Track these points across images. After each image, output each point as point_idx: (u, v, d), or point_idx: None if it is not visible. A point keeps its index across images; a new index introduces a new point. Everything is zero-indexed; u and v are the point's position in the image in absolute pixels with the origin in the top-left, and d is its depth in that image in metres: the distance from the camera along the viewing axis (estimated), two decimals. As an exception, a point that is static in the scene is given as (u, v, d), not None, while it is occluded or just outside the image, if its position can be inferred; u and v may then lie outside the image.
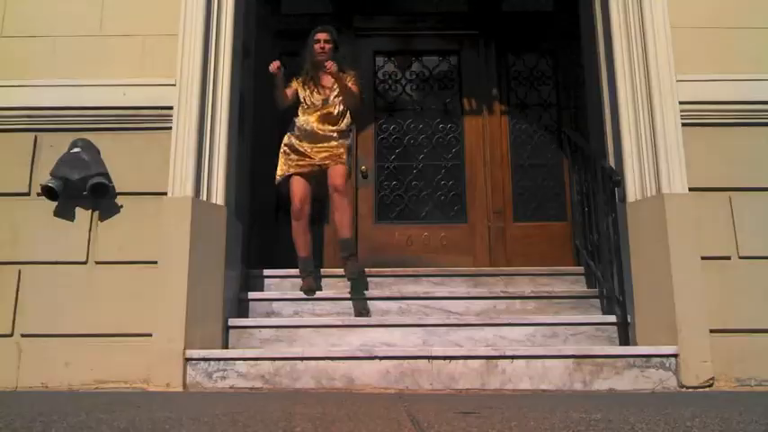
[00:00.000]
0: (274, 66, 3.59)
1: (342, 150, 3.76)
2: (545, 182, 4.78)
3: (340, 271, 4.00)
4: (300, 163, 3.76)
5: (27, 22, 3.37)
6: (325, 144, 3.76)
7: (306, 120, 3.80)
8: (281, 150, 3.82)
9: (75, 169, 3.09)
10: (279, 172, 3.80)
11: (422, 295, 3.69)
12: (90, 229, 3.16)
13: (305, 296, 3.66)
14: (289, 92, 3.85)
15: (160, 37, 3.33)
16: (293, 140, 3.80)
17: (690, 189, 3.10)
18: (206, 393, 2.79)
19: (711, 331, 2.96)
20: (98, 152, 3.20)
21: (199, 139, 3.19)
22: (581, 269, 3.98)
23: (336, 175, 3.72)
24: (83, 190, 3.11)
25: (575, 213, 4.28)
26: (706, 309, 2.98)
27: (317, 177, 3.78)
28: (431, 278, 3.91)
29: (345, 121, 3.86)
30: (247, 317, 3.54)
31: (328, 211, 4.68)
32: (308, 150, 3.76)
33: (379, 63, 5.02)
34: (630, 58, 3.30)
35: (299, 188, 3.75)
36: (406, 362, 2.97)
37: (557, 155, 4.80)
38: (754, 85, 3.24)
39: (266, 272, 3.87)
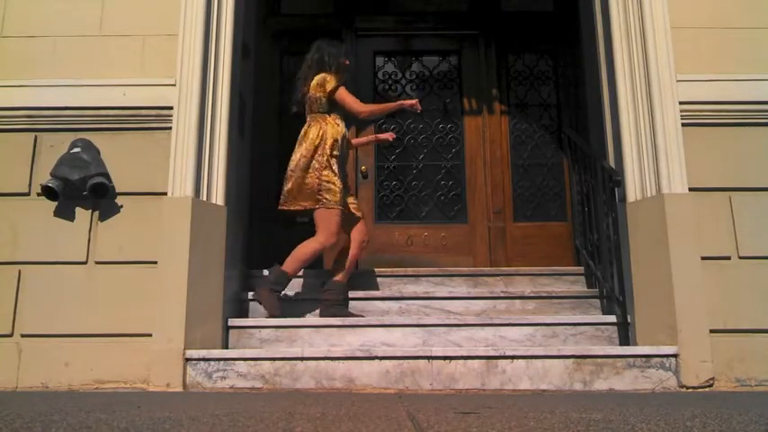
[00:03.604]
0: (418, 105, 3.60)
1: None
2: (545, 182, 4.78)
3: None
4: (347, 199, 3.62)
5: (27, 22, 3.37)
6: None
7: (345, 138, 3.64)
8: (339, 178, 3.49)
9: (75, 169, 3.09)
10: (335, 198, 3.45)
11: (422, 295, 3.69)
12: (90, 230, 3.16)
13: (305, 296, 3.67)
14: None
15: (160, 37, 3.33)
16: (338, 170, 3.51)
17: (690, 189, 3.10)
18: (206, 393, 2.78)
19: (711, 331, 2.96)
20: (98, 152, 3.20)
21: (199, 139, 3.19)
22: (581, 269, 3.98)
23: (364, 228, 3.71)
24: (83, 190, 3.11)
25: (575, 213, 4.29)
26: (706, 309, 2.98)
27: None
28: (431, 278, 3.91)
29: None
30: (247, 317, 3.54)
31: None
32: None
33: (379, 63, 5.02)
34: (630, 58, 3.30)
35: (340, 224, 3.52)
36: (405, 362, 2.97)
37: (557, 155, 4.81)
38: (754, 85, 3.24)
39: (266, 272, 3.86)
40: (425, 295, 3.69)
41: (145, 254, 3.09)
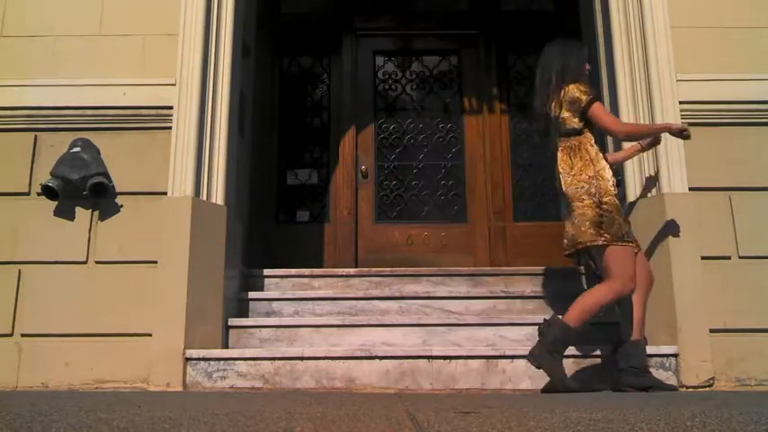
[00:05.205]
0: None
1: None
2: (545, 182, 4.78)
3: (340, 270, 4.01)
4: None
5: (27, 22, 3.37)
6: None
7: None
8: (615, 206, 2.81)
9: (75, 169, 3.09)
10: (623, 231, 2.78)
11: (422, 295, 3.69)
12: (90, 229, 3.16)
13: (305, 296, 3.66)
14: None
15: (160, 37, 3.33)
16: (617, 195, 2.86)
17: (690, 189, 3.10)
18: (206, 393, 2.78)
19: (711, 331, 2.96)
20: (98, 152, 3.20)
21: (199, 139, 3.19)
22: (581, 269, 3.98)
23: (647, 264, 2.94)
24: (83, 190, 3.11)
25: (575, 213, 4.27)
26: (706, 309, 2.98)
27: None
28: (431, 278, 3.91)
29: None
30: (247, 317, 3.53)
31: (328, 209, 4.71)
32: None
33: (379, 63, 5.03)
34: (630, 58, 3.30)
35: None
36: (406, 362, 2.97)
37: (557, 154, 4.80)
38: (754, 85, 3.23)
39: (266, 272, 3.87)
40: (425, 295, 3.68)
41: (145, 253, 3.09)
